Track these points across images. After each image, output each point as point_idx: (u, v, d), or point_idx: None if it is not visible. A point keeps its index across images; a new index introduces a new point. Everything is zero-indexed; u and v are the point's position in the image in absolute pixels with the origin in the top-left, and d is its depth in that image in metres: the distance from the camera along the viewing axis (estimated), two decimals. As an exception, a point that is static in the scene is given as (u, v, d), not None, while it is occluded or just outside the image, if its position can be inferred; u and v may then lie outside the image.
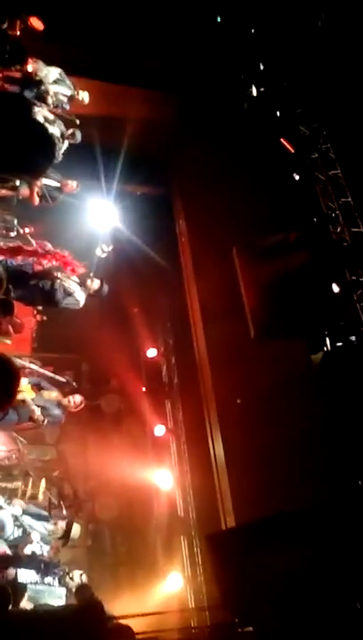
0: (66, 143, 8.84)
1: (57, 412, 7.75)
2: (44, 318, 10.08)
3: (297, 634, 5.63)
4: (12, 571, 7.13)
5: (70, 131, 8.98)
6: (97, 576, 9.28)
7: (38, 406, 7.35)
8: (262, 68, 8.65)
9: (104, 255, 10.47)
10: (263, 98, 8.69)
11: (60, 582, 7.50)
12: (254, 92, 8.66)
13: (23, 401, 7.10)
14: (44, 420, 7.41)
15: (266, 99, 8.61)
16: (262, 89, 8.68)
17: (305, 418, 7.92)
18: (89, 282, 8.25)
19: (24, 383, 7.63)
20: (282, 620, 5.84)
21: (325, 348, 7.76)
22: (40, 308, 9.83)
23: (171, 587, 10.01)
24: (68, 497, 11.74)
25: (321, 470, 7.83)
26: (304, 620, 5.67)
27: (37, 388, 7.73)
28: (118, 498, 11.93)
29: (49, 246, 8.51)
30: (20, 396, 7.14)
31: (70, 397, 7.94)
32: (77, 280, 8.20)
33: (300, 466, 7.64)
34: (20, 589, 6.98)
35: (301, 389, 8.15)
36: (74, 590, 7.32)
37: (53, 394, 7.83)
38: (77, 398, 7.96)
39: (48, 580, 7.39)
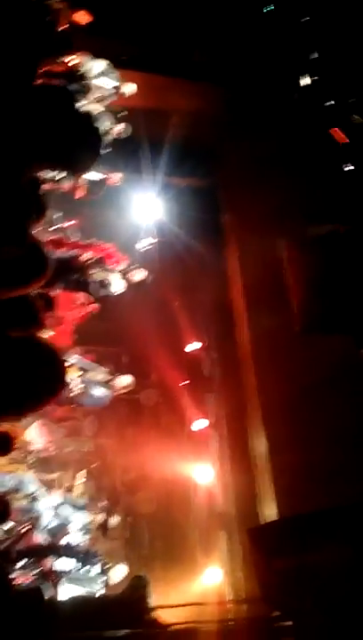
0: (110, 136, 8.86)
1: (99, 393, 7.63)
2: (86, 311, 10.10)
3: (338, 629, 5.55)
4: (49, 560, 7.20)
5: (116, 124, 9.01)
6: (134, 568, 9.27)
7: (78, 385, 7.26)
8: (312, 56, 8.52)
9: (147, 248, 10.49)
10: (314, 87, 8.56)
11: (99, 572, 7.55)
12: (305, 82, 8.54)
13: None
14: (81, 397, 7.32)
15: (317, 88, 8.48)
16: (312, 78, 8.55)
17: (350, 413, 7.81)
18: (132, 273, 8.32)
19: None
20: (322, 615, 5.77)
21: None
22: (81, 299, 9.89)
23: (209, 580, 9.96)
24: (107, 489, 11.78)
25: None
26: (345, 616, 5.59)
27: (80, 368, 7.66)
28: (157, 491, 11.91)
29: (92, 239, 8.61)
30: None
31: (119, 377, 7.83)
32: (120, 271, 8.26)
33: (344, 462, 7.53)
34: (58, 578, 7.05)
35: (346, 384, 8.04)
36: (129, 579, 7.30)
37: (98, 375, 7.74)
38: (126, 379, 7.83)
39: (87, 569, 7.45)
